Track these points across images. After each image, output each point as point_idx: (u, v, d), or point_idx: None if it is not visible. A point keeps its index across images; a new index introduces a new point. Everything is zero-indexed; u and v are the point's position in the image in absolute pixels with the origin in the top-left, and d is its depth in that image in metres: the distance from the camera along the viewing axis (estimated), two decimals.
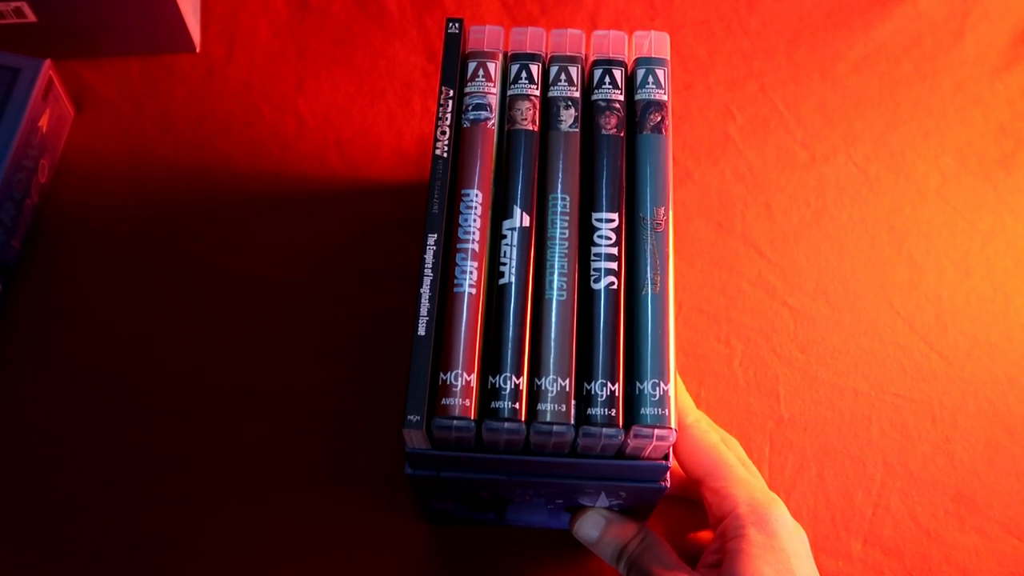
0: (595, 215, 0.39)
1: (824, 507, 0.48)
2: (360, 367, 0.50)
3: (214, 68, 0.58)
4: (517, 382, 0.36)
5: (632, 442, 0.36)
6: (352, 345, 0.51)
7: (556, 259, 0.38)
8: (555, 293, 0.38)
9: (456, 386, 0.36)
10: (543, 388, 0.36)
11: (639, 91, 0.42)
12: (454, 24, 0.43)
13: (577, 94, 0.42)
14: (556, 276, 0.38)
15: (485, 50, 0.43)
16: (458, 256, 0.38)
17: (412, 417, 0.35)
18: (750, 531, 0.39)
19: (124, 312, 0.51)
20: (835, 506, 0.48)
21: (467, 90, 0.42)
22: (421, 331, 0.37)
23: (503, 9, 0.60)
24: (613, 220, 0.39)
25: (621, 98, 0.42)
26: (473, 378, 0.36)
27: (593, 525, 0.42)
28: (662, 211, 0.39)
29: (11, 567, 0.46)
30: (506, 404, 0.36)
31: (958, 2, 0.61)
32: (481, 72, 0.42)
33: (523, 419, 0.36)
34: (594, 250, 0.39)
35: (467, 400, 0.36)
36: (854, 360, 0.51)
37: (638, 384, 0.36)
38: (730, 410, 0.50)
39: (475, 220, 0.39)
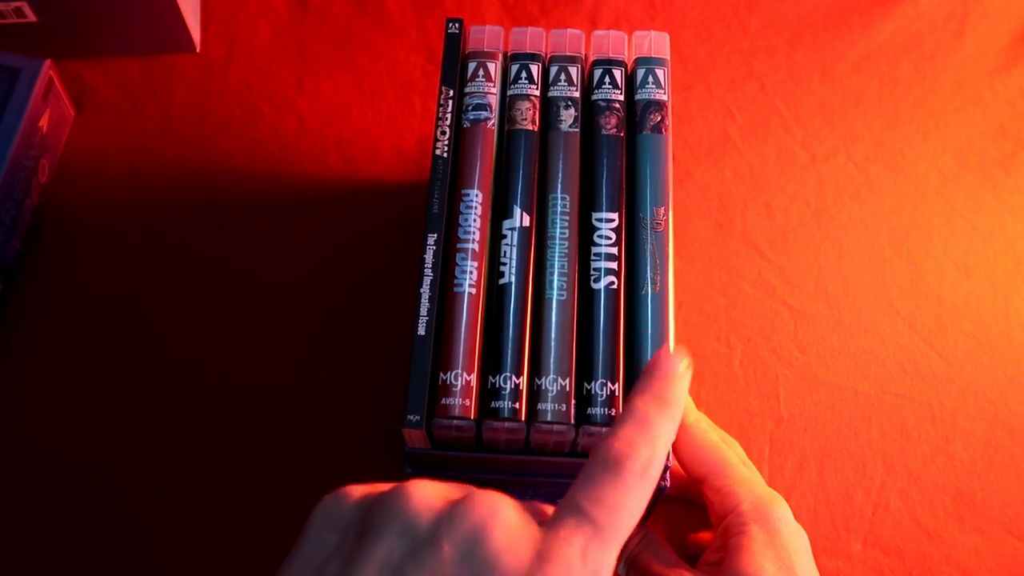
0: (595, 215, 0.39)
1: (824, 507, 0.48)
2: (359, 367, 0.50)
3: (214, 68, 0.58)
4: (517, 382, 0.36)
5: None
6: (351, 345, 0.51)
7: (556, 259, 0.38)
8: (555, 293, 0.38)
9: (456, 386, 0.36)
10: (543, 388, 0.36)
11: (639, 91, 0.42)
12: (454, 24, 0.43)
13: (577, 94, 0.42)
14: (556, 276, 0.38)
15: (485, 50, 0.43)
16: (458, 256, 0.38)
17: (412, 417, 0.35)
18: (752, 528, 0.39)
19: (124, 312, 0.51)
20: (835, 506, 0.48)
21: (467, 90, 0.42)
22: (421, 331, 0.37)
23: (503, 9, 0.60)
24: (613, 220, 0.39)
25: (621, 98, 0.42)
26: (473, 378, 0.36)
27: None
28: (662, 211, 0.39)
29: (11, 567, 0.46)
30: (506, 404, 0.36)
31: (958, 2, 0.61)
32: (481, 72, 0.42)
33: (523, 419, 0.36)
34: (594, 250, 0.39)
35: (467, 400, 0.36)
36: (854, 360, 0.51)
37: None
38: (730, 410, 0.50)
39: (475, 220, 0.39)
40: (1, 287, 0.51)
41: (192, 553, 0.46)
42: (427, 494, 0.29)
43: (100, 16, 0.55)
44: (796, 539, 0.39)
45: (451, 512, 0.28)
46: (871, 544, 0.47)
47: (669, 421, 0.31)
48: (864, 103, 0.58)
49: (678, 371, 0.31)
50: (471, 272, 0.38)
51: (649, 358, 0.37)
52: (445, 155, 0.40)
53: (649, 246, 0.39)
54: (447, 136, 0.40)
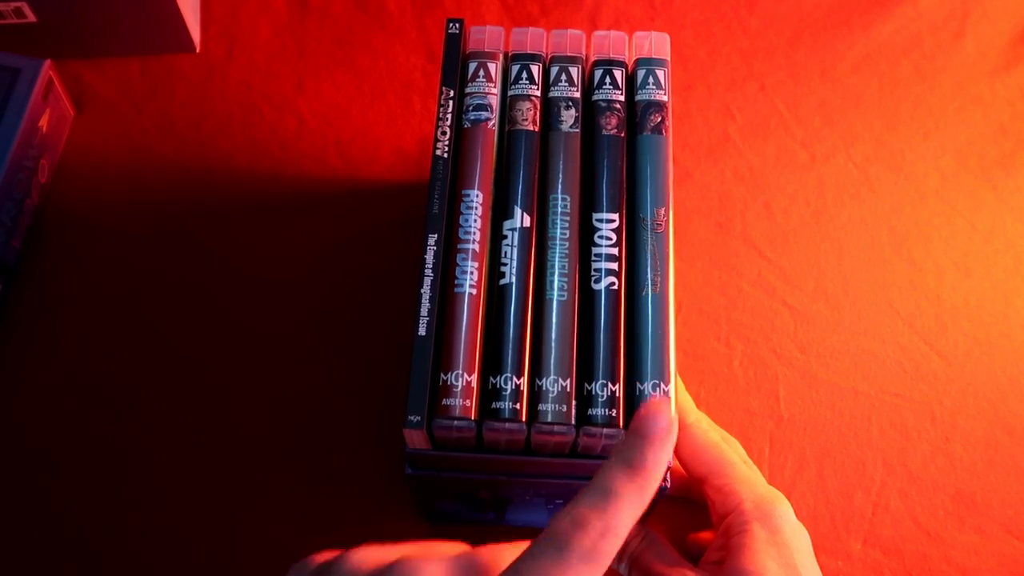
0: (595, 215, 0.39)
1: (824, 507, 0.48)
2: (360, 367, 0.50)
3: (214, 68, 0.58)
4: (518, 382, 0.36)
5: None
6: (352, 345, 0.51)
7: (556, 259, 0.38)
8: (555, 293, 0.38)
9: (457, 386, 0.36)
10: (544, 388, 0.36)
11: (639, 92, 0.42)
12: (455, 24, 0.43)
13: (578, 94, 0.42)
14: (556, 276, 0.38)
15: (486, 50, 0.43)
16: (458, 256, 0.38)
17: (413, 417, 0.35)
18: (754, 526, 0.39)
19: (124, 312, 0.51)
20: (835, 506, 0.48)
21: (468, 90, 0.42)
22: (422, 331, 0.37)
23: (503, 9, 0.60)
24: (613, 220, 0.39)
25: (622, 98, 0.42)
26: (474, 378, 0.36)
27: None
28: (662, 212, 0.39)
29: (11, 567, 0.46)
30: (507, 404, 0.36)
31: (958, 2, 0.61)
32: (482, 72, 0.42)
33: (524, 419, 0.36)
34: (594, 250, 0.39)
35: (468, 400, 0.36)
36: (854, 360, 0.51)
37: (638, 385, 0.36)
38: (730, 410, 0.50)
39: (475, 220, 0.39)
40: (1, 287, 0.51)
41: (192, 552, 0.46)
42: (363, 559, 0.31)
43: (100, 16, 0.55)
44: (798, 537, 0.39)
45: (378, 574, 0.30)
46: (871, 544, 0.47)
47: (638, 492, 0.30)
48: (864, 103, 0.58)
49: (660, 433, 0.30)
50: (472, 272, 0.38)
51: (650, 359, 0.37)
52: (446, 155, 0.40)
53: (649, 247, 0.39)
54: (448, 136, 0.40)
